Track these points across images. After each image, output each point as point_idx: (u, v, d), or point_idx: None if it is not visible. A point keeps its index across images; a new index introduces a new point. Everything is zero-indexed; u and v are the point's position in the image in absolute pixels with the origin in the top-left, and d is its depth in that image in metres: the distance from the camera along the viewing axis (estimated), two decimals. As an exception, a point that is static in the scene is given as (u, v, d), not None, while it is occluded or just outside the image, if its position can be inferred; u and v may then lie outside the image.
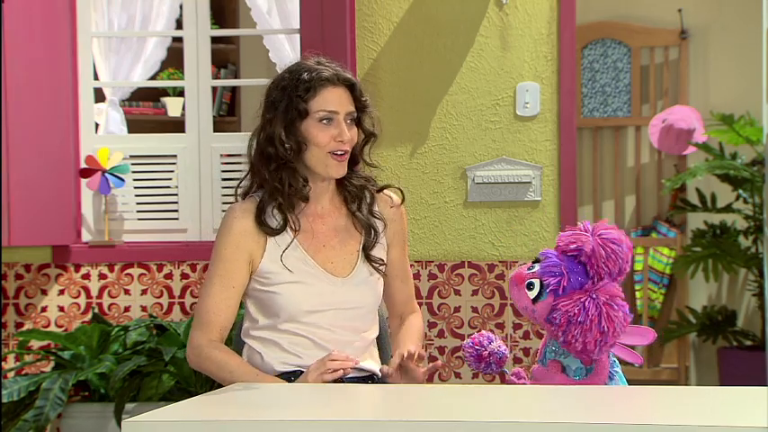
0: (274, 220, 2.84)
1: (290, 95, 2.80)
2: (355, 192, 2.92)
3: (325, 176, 2.86)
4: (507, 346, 4.44)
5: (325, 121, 2.80)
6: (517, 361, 4.54)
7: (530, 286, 2.56)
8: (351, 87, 2.85)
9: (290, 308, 2.83)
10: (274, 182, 2.83)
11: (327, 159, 2.82)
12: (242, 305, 2.94)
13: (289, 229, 2.85)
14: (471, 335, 2.75)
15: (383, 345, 3.08)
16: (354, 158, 2.90)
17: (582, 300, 2.50)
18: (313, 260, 2.85)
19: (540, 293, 2.55)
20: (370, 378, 2.91)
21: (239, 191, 2.93)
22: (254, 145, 2.86)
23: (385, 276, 2.96)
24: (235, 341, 3.06)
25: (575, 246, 2.54)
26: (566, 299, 2.52)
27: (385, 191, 2.98)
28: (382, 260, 2.92)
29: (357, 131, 2.88)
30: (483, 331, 2.76)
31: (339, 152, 2.82)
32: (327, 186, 2.90)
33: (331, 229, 2.89)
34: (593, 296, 2.50)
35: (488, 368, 2.71)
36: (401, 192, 3.00)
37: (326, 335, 2.84)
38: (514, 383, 2.68)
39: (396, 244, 2.97)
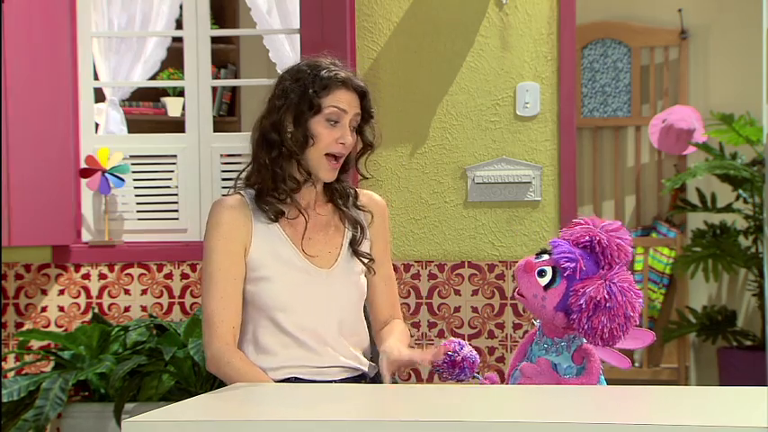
0: (268, 208, 2.85)
1: (305, 89, 2.82)
2: (341, 190, 2.94)
3: (316, 178, 2.87)
4: (507, 346, 4.44)
5: (332, 122, 2.83)
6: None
7: (540, 274, 2.50)
8: (362, 95, 2.89)
9: (274, 300, 2.81)
10: (274, 167, 2.83)
11: (322, 161, 2.84)
12: None
13: (277, 220, 2.85)
14: (443, 342, 2.73)
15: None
16: (345, 166, 2.92)
17: (606, 284, 2.44)
18: (298, 251, 2.85)
19: (552, 281, 2.49)
20: (361, 377, 2.91)
21: (240, 178, 2.92)
22: (258, 130, 2.87)
23: (369, 275, 2.95)
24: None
25: (587, 238, 2.50)
26: (585, 283, 2.45)
27: (366, 191, 3.02)
28: (370, 255, 2.93)
29: (357, 139, 2.91)
30: (451, 338, 2.74)
31: (336, 155, 2.84)
32: (313, 183, 2.91)
33: (315, 223, 2.89)
34: (615, 281, 2.45)
35: (462, 373, 2.67)
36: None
37: (309, 327, 2.82)
38: None
39: (378, 241, 2.98)
